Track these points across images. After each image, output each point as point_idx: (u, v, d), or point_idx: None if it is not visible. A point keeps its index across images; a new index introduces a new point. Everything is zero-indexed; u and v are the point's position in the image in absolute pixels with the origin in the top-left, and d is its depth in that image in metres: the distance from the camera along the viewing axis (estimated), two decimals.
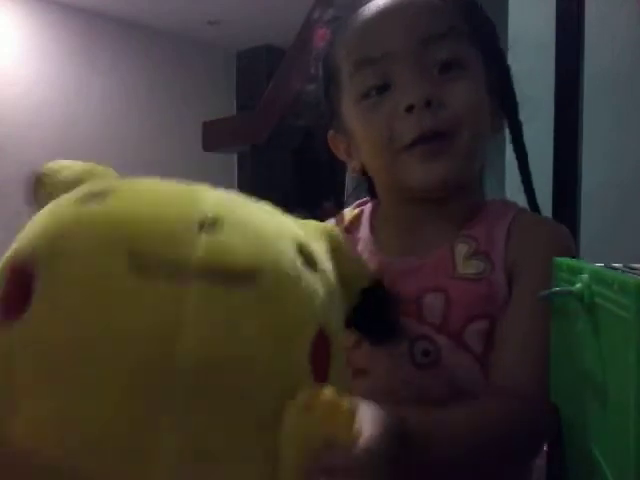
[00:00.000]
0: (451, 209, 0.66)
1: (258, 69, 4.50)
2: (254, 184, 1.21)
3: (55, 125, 3.80)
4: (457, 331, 0.60)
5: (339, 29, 0.69)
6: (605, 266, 0.42)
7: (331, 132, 0.73)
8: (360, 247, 0.70)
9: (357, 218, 0.75)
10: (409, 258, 0.65)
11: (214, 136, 1.29)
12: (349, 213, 0.77)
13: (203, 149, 1.31)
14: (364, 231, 0.72)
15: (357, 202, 0.79)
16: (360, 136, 0.66)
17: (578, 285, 0.42)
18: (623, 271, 0.39)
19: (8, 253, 0.36)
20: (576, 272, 0.43)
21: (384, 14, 0.64)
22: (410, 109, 0.60)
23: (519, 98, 0.69)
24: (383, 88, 0.63)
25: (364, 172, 0.73)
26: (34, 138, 3.69)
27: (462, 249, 0.63)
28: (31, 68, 3.71)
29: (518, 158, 0.72)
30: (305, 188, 1.49)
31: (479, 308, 0.60)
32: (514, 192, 0.74)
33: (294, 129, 1.16)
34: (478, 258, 0.62)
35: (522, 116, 0.69)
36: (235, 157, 4.32)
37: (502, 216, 0.64)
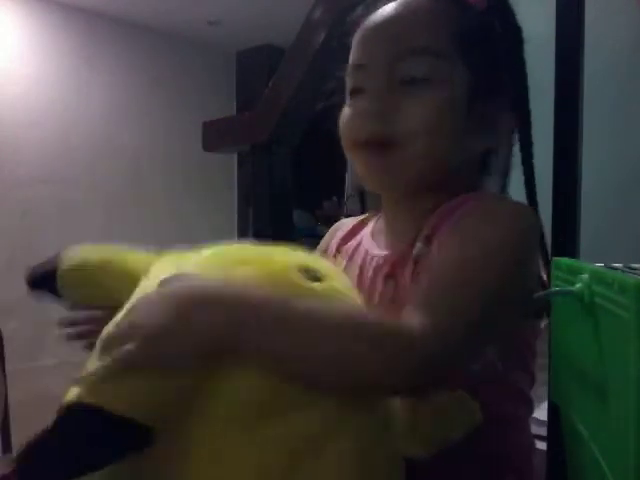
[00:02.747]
0: (418, 206, 0.69)
1: (258, 69, 4.50)
2: (254, 184, 1.21)
3: (55, 125, 3.80)
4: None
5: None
6: (605, 266, 0.42)
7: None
8: (360, 242, 0.76)
9: (370, 217, 0.81)
10: (382, 253, 0.70)
11: (214, 136, 1.29)
12: (370, 214, 0.83)
13: (203, 149, 1.31)
14: (368, 228, 0.79)
15: None
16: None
17: (578, 285, 0.42)
18: (623, 271, 0.39)
19: None
20: (576, 272, 0.43)
21: (373, 26, 0.69)
22: (365, 115, 0.66)
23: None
24: (358, 92, 0.69)
25: None
26: (34, 138, 3.69)
27: (420, 246, 0.65)
28: (31, 68, 3.71)
29: (526, 177, 0.73)
30: (305, 188, 1.48)
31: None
32: (513, 192, 0.75)
33: (294, 129, 1.16)
34: (422, 242, 0.65)
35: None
36: (235, 157, 4.32)
37: (458, 207, 0.65)
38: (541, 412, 0.93)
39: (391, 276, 0.66)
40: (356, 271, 0.72)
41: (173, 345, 0.44)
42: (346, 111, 0.71)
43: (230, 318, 0.45)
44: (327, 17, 1.10)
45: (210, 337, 0.44)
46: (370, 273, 0.69)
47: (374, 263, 0.70)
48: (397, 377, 0.46)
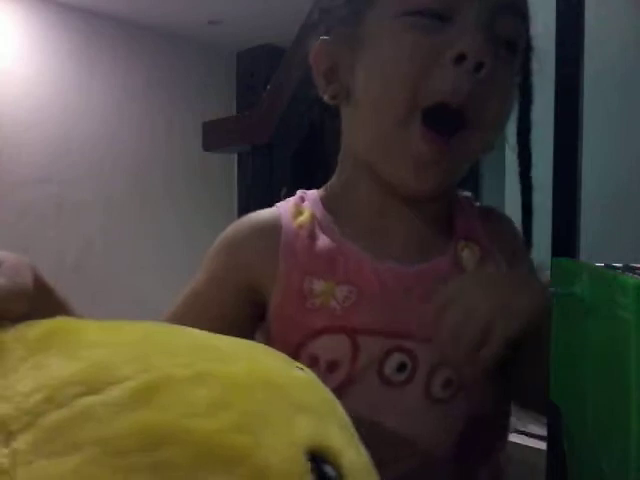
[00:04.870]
0: (434, 207, 0.56)
1: (258, 69, 4.50)
2: (254, 184, 1.21)
3: (55, 125, 3.80)
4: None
5: None
6: (605, 266, 0.42)
7: (324, 39, 0.55)
8: (346, 258, 0.54)
9: (311, 217, 0.58)
10: (411, 269, 0.53)
11: (214, 136, 1.29)
12: (291, 210, 0.58)
13: (203, 149, 1.31)
14: (330, 231, 0.56)
15: (293, 199, 0.60)
16: (377, 63, 0.50)
17: (578, 285, 0.42)
18: (623, 271, 0.39)
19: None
20: (576, 272, 0.43)
21: None
22: (460, 60, 0.47)
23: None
24: (440, 18, 0.48)
25: (336, 108, 0.57)
26: (34, 138, 3.69)
27: (471, 256, 0.55)
28: (31, 68, 3.71)
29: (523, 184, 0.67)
30: (305, 188, 1.48)
31: None
32: (514, 192, 0.74)
33: (294, 129, 1.16)
34: (489, 260, 0.55)
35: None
36: (235, 157, 4.32)
37: (469, 207, 0.60)
38: None
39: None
40: (372, 294, 0.52)
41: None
42: (409, 32, 0.48)
43: None
44: None
45: None
46: (398, 293, 0.52)
47: (404, 282, 0.52)
48: None
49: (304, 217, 0.57)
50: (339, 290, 0.52)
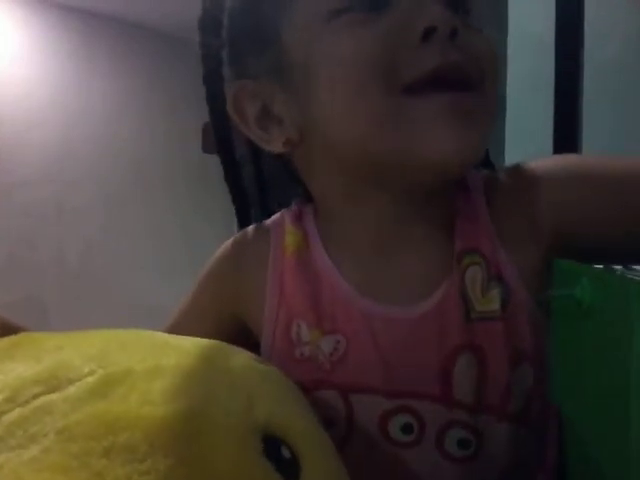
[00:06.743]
0: (436, 211, 0.46)
1: None
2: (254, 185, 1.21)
3: (55, 126, 3.80)
4: (499, 401, 0.44)
5: None
6: (605, 268, 0.42)
7: (240, 83, 0.47)
8: (327, 290, 0.47)
9: (304, 241, 0.51)
10: (396, 305, 0.45)
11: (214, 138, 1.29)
12: (291, 234, 0.51)
13: (203, 150, 1.31)
14: (321, 260, 0.48)
15: (290, 213, 0.54)
16: (328, 68, 0.41)
17: (578, 287, 0.42)
18: (623, 272, 0.39)
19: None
20: (576, 274, 0.43)
21: None
22: (429, 34, 0.39)
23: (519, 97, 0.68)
24: (377, 3, 0.41)
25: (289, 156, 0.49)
26: (34, 139, 3.69)
27: (475, 275, 0.44)
28: (31, 69, 3.71)
29: None
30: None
31: (517, 350, 0.44)
32: None
33: None
34: (494, 283, 0.44)
35: (522, 116, 0.69)
36: None
37: (472, 196, 0.46)
38: None
39: (469, 348, 0.43)
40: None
41: None
42: (352, 26, 0.40)
43: None
44: None
45: None
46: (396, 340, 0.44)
47: (401, 331, 0.44)
48: None
49: (295, 240, 0.51)
50: (325, 341, 0.46)
